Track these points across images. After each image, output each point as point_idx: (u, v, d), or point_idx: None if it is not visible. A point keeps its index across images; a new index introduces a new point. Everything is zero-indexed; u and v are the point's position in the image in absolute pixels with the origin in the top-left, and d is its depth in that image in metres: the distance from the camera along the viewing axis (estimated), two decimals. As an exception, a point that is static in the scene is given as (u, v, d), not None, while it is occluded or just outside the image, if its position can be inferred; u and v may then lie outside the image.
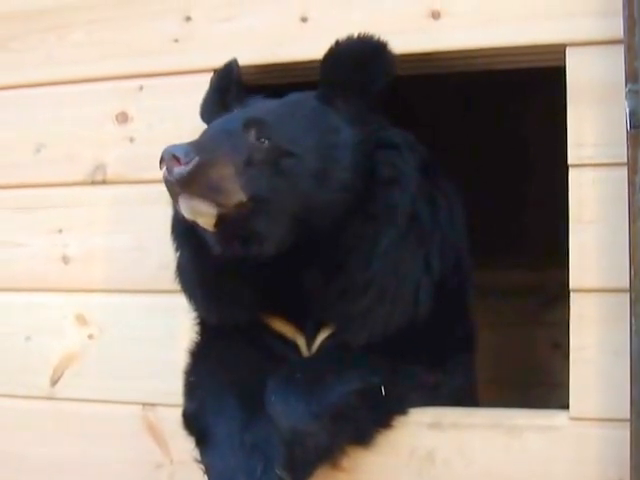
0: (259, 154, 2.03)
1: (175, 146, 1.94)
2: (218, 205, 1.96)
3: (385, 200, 2.10)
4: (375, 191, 2.10)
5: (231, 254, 2.06)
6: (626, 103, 2.00)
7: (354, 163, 2.10)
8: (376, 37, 2.14)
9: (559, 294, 2.33)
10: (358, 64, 2.12)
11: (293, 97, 2.22)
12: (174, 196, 1.97)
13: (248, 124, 2.07)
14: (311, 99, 2.19)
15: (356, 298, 2.10)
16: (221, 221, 1.99)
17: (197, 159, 1.91)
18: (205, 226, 2.02)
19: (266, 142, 2.05)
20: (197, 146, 1.96)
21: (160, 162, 1.93)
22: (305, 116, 2.14)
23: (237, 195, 1.97)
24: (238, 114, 2.16)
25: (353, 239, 2.09)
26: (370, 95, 2.15)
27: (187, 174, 1.91)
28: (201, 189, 1.94)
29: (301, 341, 2.25)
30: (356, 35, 2.14)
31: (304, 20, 2.38)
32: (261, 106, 2.22)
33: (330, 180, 2.07)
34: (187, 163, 1.90)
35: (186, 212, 1.99)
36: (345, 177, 2.08)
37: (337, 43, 2.15)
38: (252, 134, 2.05)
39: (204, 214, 1.98)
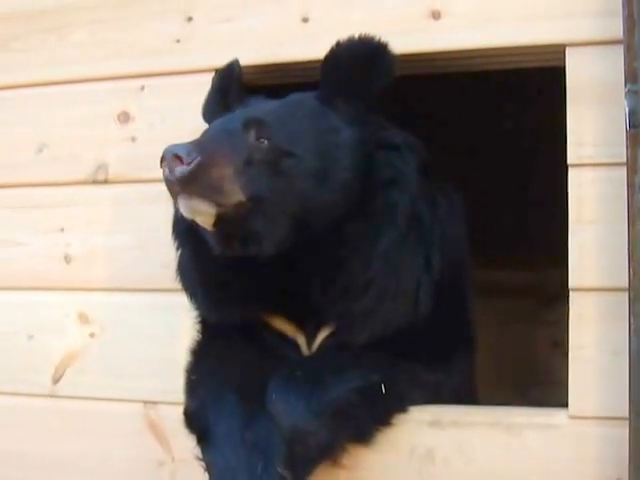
0: (259, 154, 2.03)
1: (177, 145, 1.95)
2: (217, 205, 1.96)
3: (385, 200, 2.10)
4: (375, 192, 2.10)
5: (230, 253, 2.07)
6: (625, 103, 2.01)
7: (354, 163, 2.10)
8: (377, 38, 2.14)
9: (559, 293, 2.33)
10: (359, 65, 2.13)
11: (293, 97, 2.23)
12: (174, 195, 1.98)
13: (248, 124, 2.07)
14: (311, 99, 2.19)
15: (356, 298, 2.11)
16: (220, 220, 1.99)
17: (198, 159, 1.92)
18: (204, 225, 2.03)
19: (266, 142, 2.05)
20: (198, 146, 1.97)
21: (161, 161, 1.94)
22: (305, 116, 2.14)
23: (236, 195, 1.98)
24: (238, 114, 2.16)
25: (353, 239, 2.09)
26: (370, 95, 2.16)
27: (188, 173, 1.91)
28: (201, 189, 1.94)
29: (301, 340, 2.25)
30: (357, 36, 2.15)
31: (305, 20, 2.39)
32: (261, 106, 2.22)
33: (330, 180, 2.07)
34: (189, 163, 1.91)
35: (185, 211, 2.00)
36: (345, 177, 2.09)
37: (338, 44, 2.15)
38: (252, 134, 2.06)
39: (203, 213, 1.99)
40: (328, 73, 2.17)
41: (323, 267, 2.10)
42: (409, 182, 2.13)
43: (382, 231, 2.09)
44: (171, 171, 1.92)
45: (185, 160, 1.91)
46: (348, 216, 2.08)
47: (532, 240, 3.57)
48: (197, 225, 2.05)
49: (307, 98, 2.20)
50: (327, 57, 2.17)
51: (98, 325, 2.52)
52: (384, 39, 2.14)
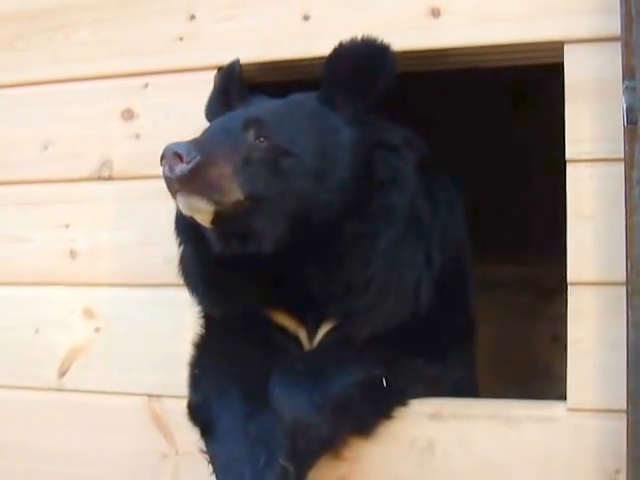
0: (257, 153, 2.04)
1: (177, 144, 1.96)
2: (216, 203, 1.98)
3: (383, 201, 2.11)
4: (373, 192, 2.11)
5: (229, 251, 2.08)
6: (623, 99, 2.01)
7: (353, 163, 2.10)
8: (379, 39, 2.14)
9: (558, 287, 2.34)
10: (361, 66, 2.13)
11: (294, 97, 2.24)
12: (173, 192, 1.99)
13: (247, 123, 2.08)
14: (312, 99, 2.20)
15: (357, 296, 2.12)
16: (218, 218, 2.01)
17: (198, 157, 1.93)
18: (202, 222, 2.04)
19: (265, 141, 2.06)
20: (198, 145, 1.98)
21: (161, 159, 1.95)
22: (305, 116, 2.15)
23: (235, 193, 1.99)
24: (238, 114, 2.17)
25: (352, 238, 2.09)
26: (371, 96, 2.16)
27: (188, 172, 1.93)
28: (200, 187, 1.96)
29: (303, 334, 2.26)
30: (359, 37, 2.14)
31: (306, 18, 2.39)
32: (262, 106, 2.23)
33: (328, 180, 2.08)
34: (189, 161, 1.92)
35: (184, 208, 2.01)
36: (344, 177, 2.09)
37: (340, 44, 2.15)
38: (251, 133, 2.07)
39: (201, 211, 2.00)
40: (330, 73, 2.17)
41: (322, 266, 2.11)
42: (407, 182, 2.13)
43: (381, 230, 2.10)
44: (171, 169, 1.94)
45: (185, 159, 1.92)
46: (347, 216, 2.08)
47: (531, 234, 3.56)
48: (197, 222, 2.06)
49: (307, 98, 2.21)
50: (329, 57, 2.17)
51: (103, 320, 2.53)
52: (386, 39, 2.14)
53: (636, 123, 2.00)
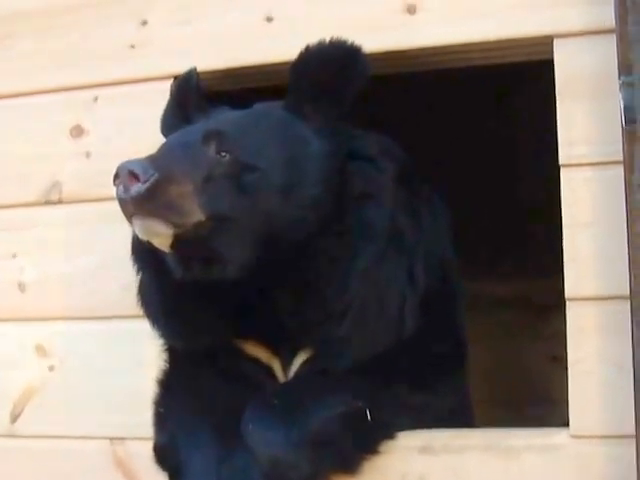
0: (219, 169, 1.98)
1: (132, 162, 1.88)
2: (175, 225, 1.91)
3: (360, 216, 2.05)
4: (349, 207, 2.05)
5: (192, 277, 2.01)
6: (620, 96, 1.95)
7: (325, 177, 2.04)
8: (349, 41, 2.08)
9: (554, 304, 2.29)
10: (330, 71, 2.07)
11: (258, 107, 2.19)
12: (127, 215, 1.91)
13: (208, 137, 2.01)
14: (278, 109, 2.14)
15: (335, 322, 2.05)
16: (178, 242, 1.94)
17: (155, 176, 1.85)
18: (161, 247, 1.97)
19: (227, 156, 2.00)
20: (155, 162, 1.90)
21: (114, 179, 1.88)
22: (270, 127, 2.09)
23: (195, 214, 1.92)
24: (198, 127, 2.12)
25: (327, 259, 2.03)
26: (343, 103, 2.10)
27: (145, 192, 1.85)
28: (157, 208, 1.88)
29: (277, 366, 2.20)
30: (328, 39, 2.08)
31: (269, 20, 2.34)
32: (223, 117, 2.17)
33: (298, 196, 2.01)
34: (145, 181, 1.84)
35: (140, 232, 1.94)
36: (315, 192, 2.02)
37: (307, 48, 2.09)
38: (212, 148, 2.00)
39: (160, 235, 1.93)
40: (296, 80, 2.11)
41: (294, 290, 2.05)
42: (386, 195, 2.08)
43: (359, 250, 2.03)
44: (126, 189, 1.86)
45: (141, 177, 1.84)
46: (320, 234, 2.02)
47: (522, 247, 3.56)
48: (155, 247, 1.98)
49: (273, 107, 2.16)
50: (295, 62, 2.11)
51: (57, 357, 2.46)
52: (357, 40, 2.07)
53: (635, 122, 1.93)
